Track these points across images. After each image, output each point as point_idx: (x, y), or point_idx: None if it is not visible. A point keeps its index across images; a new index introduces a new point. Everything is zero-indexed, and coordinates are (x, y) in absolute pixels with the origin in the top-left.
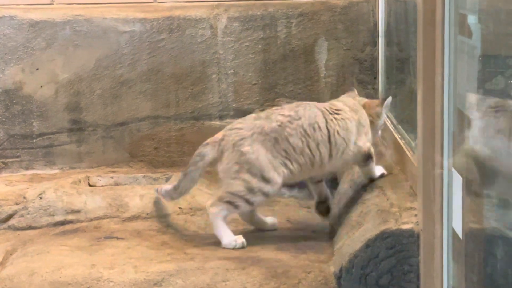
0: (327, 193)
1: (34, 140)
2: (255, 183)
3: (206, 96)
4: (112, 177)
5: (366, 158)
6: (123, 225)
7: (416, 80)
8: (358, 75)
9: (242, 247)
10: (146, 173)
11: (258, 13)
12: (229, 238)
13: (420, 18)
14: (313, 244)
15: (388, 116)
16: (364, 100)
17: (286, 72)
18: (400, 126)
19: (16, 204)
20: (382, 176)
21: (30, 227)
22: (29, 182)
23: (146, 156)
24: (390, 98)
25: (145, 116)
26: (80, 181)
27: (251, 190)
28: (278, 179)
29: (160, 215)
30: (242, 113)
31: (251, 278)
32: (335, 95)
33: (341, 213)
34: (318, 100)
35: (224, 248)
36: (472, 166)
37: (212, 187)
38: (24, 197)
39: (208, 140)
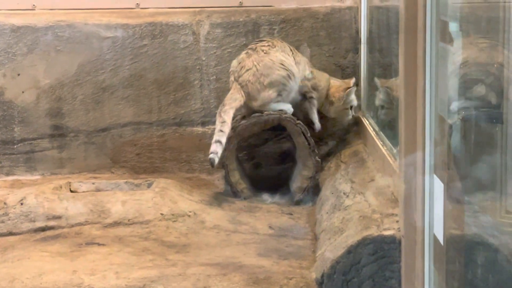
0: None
1: (15, 146)
2: None
3: (188, 102)
4: (93, 183)
5: None
6: (104, 231)
7: (398, 86)
8: None
9: None
10: (128, 179)
11: (241, 19)
12: None
13: (402, 25)
14: (295, 250)
15: (369, 123)
16: (336, 81)
17: None
18: (381, 133)
19: None
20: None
21: (10, 233)
22: (10, 188)
23: (128, 162)
24: (354, 88)
25: (127, 122)
26: (61, 187)
27: None
28: None
29: (142, 221)
30: None
31: (232, 284)
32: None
33: (323, 219)
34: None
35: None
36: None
37: (194, 193)
38: (5, 203)
39: None
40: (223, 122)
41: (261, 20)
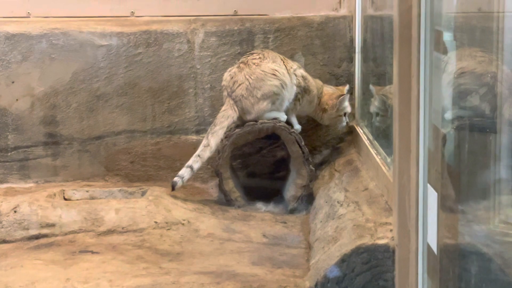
0: None
1: (9, 154)
2: None
3: (182, 110)
4: (87, 191)
5: None
6: (98, 239)
7: (392, 95)
8: None
9: None
10: (122, 187)
11: (235, 28)
12: None
13: (396, 34)
14: (289, 259)
15: (364, 132)
16: (329, 88)
17: None
18: (376, 142)
19: None
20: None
21: (4, 241)
22: (3, 196)
23: (122, 170)
24: (347, 95)
25: (121, 130)
26: (55, 195)
27: None
28: None
29: (135, 229)
30: None
31: None
32: None
33: (317, 228)
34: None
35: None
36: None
37: (188, 202)
38: None
39: None
40: (206, 146)
41: (255, 29)
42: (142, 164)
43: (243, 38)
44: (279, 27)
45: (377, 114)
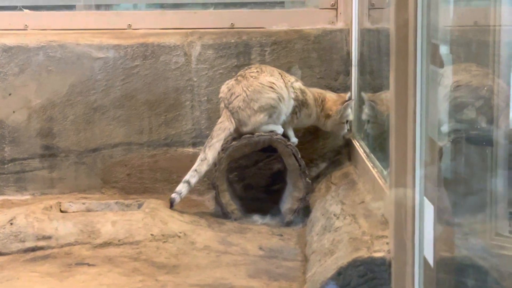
0: None
1: (6, 166)
2: None
3: (179, 123)
4: (84, 203)
5: None
6: (94, 251)
7: (389, 108)
8: None
9: None
10: (119, 200)
11: (232, 40)
12: None
13: (393, 47)
14: (285, 272)
15: (360, 145)
16: (332, 94)
17: None
18: (372, 155)
19: None
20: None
21: (0, 253)
22: (0, 208)
23: (118, 182)
24: (352, 102)
25: (118, 142)
26: (51, 207)
27: None
28: None
29: (132, 241)
30: None
31: None
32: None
33: (313, 241)
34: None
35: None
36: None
37: (184, 214)
38: None
39: None
40: (204, 159)
41: (252, 42)
42: (138, 177)
43: (240, 51)
44: (276, 40)
45: (368, 121)
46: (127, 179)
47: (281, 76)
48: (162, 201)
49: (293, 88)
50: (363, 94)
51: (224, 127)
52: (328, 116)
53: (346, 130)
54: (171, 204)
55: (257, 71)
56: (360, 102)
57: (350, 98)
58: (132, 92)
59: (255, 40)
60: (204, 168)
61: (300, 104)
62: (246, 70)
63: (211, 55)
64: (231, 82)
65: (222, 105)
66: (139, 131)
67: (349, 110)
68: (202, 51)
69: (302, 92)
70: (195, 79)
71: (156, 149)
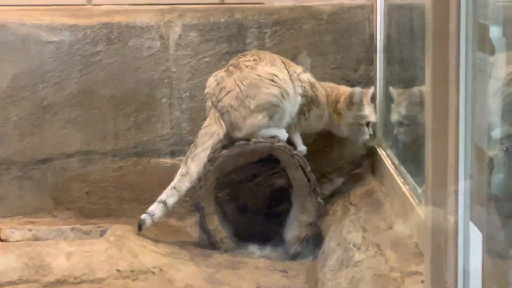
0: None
1: None
2: None
3: (154, 126)
4: (30, 230)
5: None
6: None
7: (424, 108)
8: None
9: None
10: (75, 225)
11: (222, 20)
12: None
13: (429, 29)
14: None
15: (387, 154)
16: (348, 89)
17: None
18: (403, 168)
19: None
20: None
21: None
22: None
23: (75, 202)
24: (370, 90)
25: (75, 151)
26: None
27: None
28: None
29: (92, 279)
30: None
31: None
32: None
33: (326, 279)
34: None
35: None
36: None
37: (160, 244)
38: None
39: None
40: (185, 174)
41: (248, 22)
42: (101, 196)
43: (231, 33)
44: (279, 19)
45: (400, 125)
46: (86, 199)
47: (285, 65)
48: (132, 226)
49: (300, 81)
50: (391, 89)
51: (211, 132)
52: (339, 114)
53: (367, 136)
54: (139, 227)
55: (254, 60)
56: (388, 99)
57: (372, 93)
58: (93, 86)
59: (251, 20)
60: (185, 185)
61: (309, 102)
62: (240, 58)
63: (195, 39)
64: (220, 73)
65: (209, 103)
66: (101, 136)
67: (367, 107)
68: (183, 33)
69: (312, 86)
70: (174, 70)
71: (124, 160)
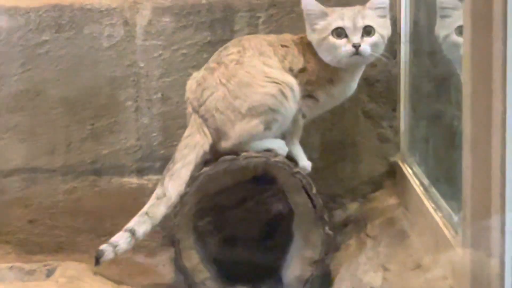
0: None
1: None
2: None
3: (115, 136)
4: None
5: None
6: None
7: (462, 113)
8: (365, 105)
9: None
10: (14, 263)
11: (203, 1)
12: None
13: (468, 11)
14: None
15: (414, 172)
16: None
17: None
18: (434, 189)
19: None
20: None
21: None
22: None
23: (14, 234)
24: None
25: (14, 168)
26: None
27: None
28: None
29: None
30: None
31: None
32: (326, 138)
33: None
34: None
35: None
36: None
37: (124, 287)
38: None
39: None
40: (161, 197)
41: (236, 3)
42: (48, 225)
43: (215, 18)
44: (276, 0)
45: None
46: (29, 229)
47: (273, 49)
48: (87, 265)
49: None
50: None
51: (193, 144)
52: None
53: (343, 47)
54: (97, 260)
55: (239, 52)
56: (417, 114)
57: None
58: (39, 85)
59: (241, 1)
60: (161, 210)
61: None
62: (222, 52)
63: (168, 25)
64: (201, 73)
65: (189, 109)
66: (49, 149)
67: (333, 9)
68: (153, 18)
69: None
70: (142, 65)
71: (78, 179)
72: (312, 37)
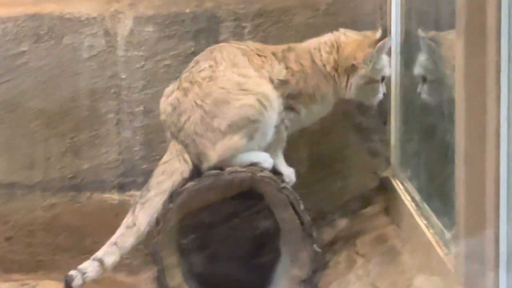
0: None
1: None
2: None
3: (96, 150)
4: None
5: None
6: None
7: (454, 127)
8: (355, 118)
9: None
10: None
11: (188, 10)
12: None
13: (461, 22)
14: None
15: (405, 188)
16: (353, 34)
17: None
18: (426, 205)
19: None
20: None
21: None
22: None
23: None
24: (389, 40)
25: None
26: None
27: None
28: None
29: None
30: None
31: None
32: (315, 151)
33: None
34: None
35: None
36: None
37: None
38: None
39: None
40: (131, 226)
41: (222, 12)
42: (26, 243)
43: (200, 27)
44: (262, 9)
45: (424, 80)
46: (7, 247)
47: (248, 58)
48: None
49: (283, 60)
50: (420, 31)
51: (171, 171)
52: (353, 69)
53: (381, 94)
54: (66, 284)
55: (211, 66)
56: (408, 128)
57: (380, 39)
58: (17, 96)
59: (226, 10)
60: (130, 240)
61: (298, 82)
62: (193, 68)
63: (151, 35)
64: (174, 94)
65: (167, 134)
66: (27, 164)
67: (385, 58)
68: (135, 27)
69: (297, 58)
70: (124, 76)
71: (57, 195)
72: (364, 74)
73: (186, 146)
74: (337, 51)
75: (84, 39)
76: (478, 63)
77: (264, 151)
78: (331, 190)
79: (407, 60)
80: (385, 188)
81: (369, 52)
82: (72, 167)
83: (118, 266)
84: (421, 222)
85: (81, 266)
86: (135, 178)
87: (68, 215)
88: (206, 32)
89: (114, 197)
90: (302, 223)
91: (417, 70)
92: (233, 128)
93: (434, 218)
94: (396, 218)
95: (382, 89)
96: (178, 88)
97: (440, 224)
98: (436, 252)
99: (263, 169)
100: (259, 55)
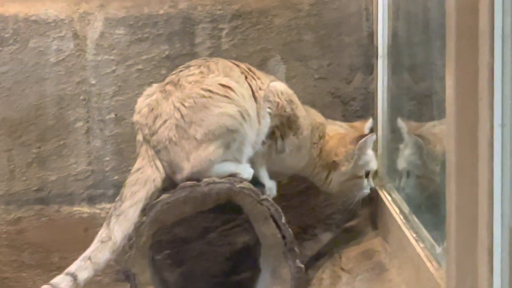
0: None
1: None
2: None
3: (65, 160)
4: None
5: None
6: None
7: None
8: None
9: None
10: None
11: (161, 11)
12: None
13: (452, 25)
14: None
15: (393, 199)
16: (337, 127)
17: None
18: (415, 218)
19: None
20: None
21: None
22: None
23: None
24: (371, 137)
25: None
26: None
27: None
28: None
29: None
30: None
31: None
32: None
33: None
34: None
35: None
36: None
37: None
38: None
39: None
40: (106, 240)
41: (197, 14)
42: None
43: (174, 30)
44: (241, 10)
45: (408, 174)
46: None
47: (246, 75)
48: None
49: (271, 93)
50: (400, 121)
51: (144, 179)
52: (334, 167)
53: (367, 190)
54: None
55: (201, 72)
56: (396, 136)
57: (370, 129)
58: None
59: (202, 11)
60: (105, 255)
61: (285, 124)
62: (182, 72)
63: (123, 38)
64: (155, 95)
65: (139, 137)
66: None
67: (370, 152)
68: (105, 30)
69: (290, 102)
70: (93, 82)
71: (22, 208)
72: (346, 171)
73: (157, 152)
74: (322, 139)
75: (51, 42)
76: (470, 68)
77: (249, 163)
78: (314, 202)
79: (395, 65)
80: (371, 200)
81: (351, 149)
82: (38, 179)
83: (88, 284)
84: (410, 236)
85: (53, 281)
86: (105, 190)
87: (34, 230)
88: (180, 34)
89: (83, 210)
90: (283, 237)
91: (401, 164)
92: (210, 137)
93: (423, 231)
94: (383, 231)
95: (367, 183)
96: (160, 90)
97: (430, 238)
98: (426, 267)
99: (242, 180)
100: (258, 78)
